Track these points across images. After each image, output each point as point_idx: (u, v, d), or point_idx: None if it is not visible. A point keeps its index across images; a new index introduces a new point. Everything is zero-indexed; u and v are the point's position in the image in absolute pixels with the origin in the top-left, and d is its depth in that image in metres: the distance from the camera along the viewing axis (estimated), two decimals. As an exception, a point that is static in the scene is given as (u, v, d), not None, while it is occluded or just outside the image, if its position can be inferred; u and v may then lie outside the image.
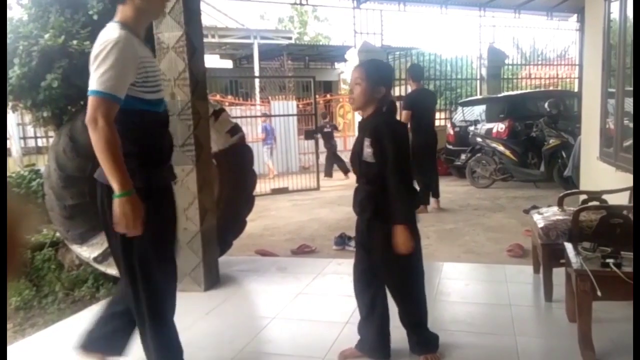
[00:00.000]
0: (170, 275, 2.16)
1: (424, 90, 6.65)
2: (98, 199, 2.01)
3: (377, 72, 2.32)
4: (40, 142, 8.89)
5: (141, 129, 1.99)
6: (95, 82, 1.82)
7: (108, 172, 1.83)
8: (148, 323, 2.07)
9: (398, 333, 2.45)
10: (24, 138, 9.27)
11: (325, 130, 10.12)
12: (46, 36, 3.46)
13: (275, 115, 10.63)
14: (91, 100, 1.82)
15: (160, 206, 2.05)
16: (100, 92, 1.82)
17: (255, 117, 11.05)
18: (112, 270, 3.55)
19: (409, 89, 6.56)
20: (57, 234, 4.07)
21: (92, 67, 1.84)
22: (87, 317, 3.19)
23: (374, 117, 2.29)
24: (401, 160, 2.20)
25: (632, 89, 4.31)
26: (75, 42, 3.51)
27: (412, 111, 6.00)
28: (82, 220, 3.53)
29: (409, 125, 6.04)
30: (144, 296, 2.04)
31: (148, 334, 2.09)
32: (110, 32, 1.87)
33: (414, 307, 2.42)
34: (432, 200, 6.22)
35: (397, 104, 3.04)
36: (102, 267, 3.59)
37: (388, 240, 2.20)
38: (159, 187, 2.05)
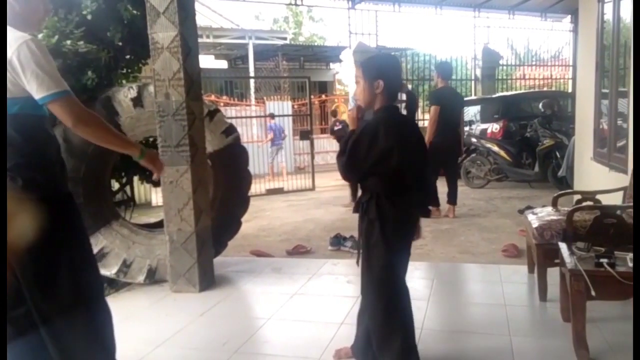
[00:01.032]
0: (98, 289, 2.03)
1: (451, 88, 6.39)
2: (40, 221, 1.75)
3: (373, 66, 2.21)
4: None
5: (42, 134, 1.88)
6: (47, 85, 1.73)
7: (121, 147, 1.96)
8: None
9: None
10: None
11: (336, 128, 9.93)
12: (39, 36, 3.44)
13: (274, 115, 10.63)
14: (58, 103, 1.76)
15: (69, 214, 1.92)
16: (64, 92, 1.77)
17: (251, 117, 11.05)
18: (106, 272, 3.53)
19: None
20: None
21: (27, 75, 1.71)
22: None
23: (375, 115, 2.20)
24: (350, 148, 2.10)
25: (625, 89, 4.34)
26: (69, 42, 3.49)
27: (440, 108, 5.69)
28: (76, 221, 3.51)
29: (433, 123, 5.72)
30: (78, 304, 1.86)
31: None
32: (14, 34, 1.75)
33: (369, 310, 2.24)
34: (447, 207, 5.93)
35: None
36: (96, 268, 3.56)
37: (366, 233, 2.17)
38: (63, 195, 1.93)
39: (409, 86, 9.65)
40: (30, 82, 1.73)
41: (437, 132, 5.74)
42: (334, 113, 11.01)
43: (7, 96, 1.75)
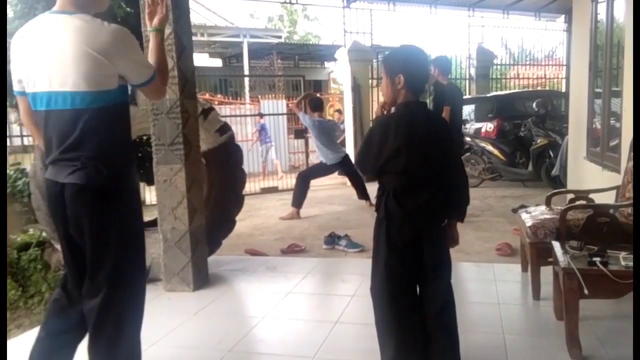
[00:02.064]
0: (143, 281, 2.10)
1: (455, 86, 6.25)
2: (116, 210, 1.85)
3: (393, 60, 2.14)
4: (26, 141, 8.78)
5: (126, 124, 1.95)
6: (147, 68, 1.90)
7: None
8: (121, 331, 1.93)
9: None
10: (10, 136, 9.15)
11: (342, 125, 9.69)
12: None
13: (265, 114, 10.63)
14: (154, 84, 1.92)
15: (137, 205, 1.98)
16: (155, 74, 1.92)
17: (245, 116, 11.01)
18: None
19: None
20: (44, 234, 4.02)
21: (125, 61, 1.81)
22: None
23: (395, 110, 2.16)
24: (361, 146, 2.14)
25: (618, 89, 4.37)
26: (61, 39, 3.46)
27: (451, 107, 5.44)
28: (69, 220, 3.49)
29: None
30: (126, 301, 1.92)
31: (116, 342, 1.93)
32: (105, 27, 1.79)
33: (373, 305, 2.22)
34: None
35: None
36: (89, 267, 3.54)
37: (375, 231, 2.17)
38: (134, 187, 1.99)
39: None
40: (127, 69, 1.83)
41: None
42: (340, 112, 11.01)
43: (99, 89, 1.78)
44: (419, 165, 2.05)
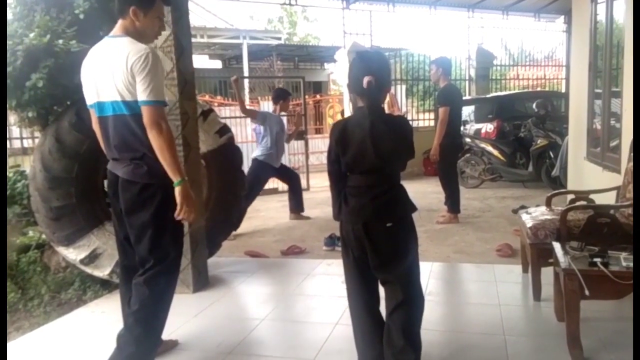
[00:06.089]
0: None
1: (455, 86, 6.21)
2: (155, 200, 2.25)
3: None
4: (25, 143, 8.75)
5: None
6: (148, 92, 2.12)
7: (172, 166, 2.18)
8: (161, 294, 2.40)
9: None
10: (9, 139, 9.14)
11: None
12: (31, 35, 3.40)
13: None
14: (150, 109, 2.14)
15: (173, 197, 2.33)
16: (157, 102, 2.15)
17: (245, 117, 10.98)
18: (99, 272, 3.51)
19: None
20: (43, 236, 4.01)
21: (139, 79, 2.11)
22: (73, 320, 3.16)
23: None
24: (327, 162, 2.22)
25: (618, 89, 4.36)
26: (60, 41, 3.46)
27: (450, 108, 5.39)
28: (69, 222, 3.48)
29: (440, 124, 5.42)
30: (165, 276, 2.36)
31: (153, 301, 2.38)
32: (136, 46, 2.15)
33: None
34: (448, 214, 5.59)
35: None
36: (88, 269, 3.54)
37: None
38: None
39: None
40: (139, 84, 2.13)
41: (446, 133, 5.41)
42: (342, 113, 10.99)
43: (134, 98, 2.14)
44: (361, 167, 2.11)
